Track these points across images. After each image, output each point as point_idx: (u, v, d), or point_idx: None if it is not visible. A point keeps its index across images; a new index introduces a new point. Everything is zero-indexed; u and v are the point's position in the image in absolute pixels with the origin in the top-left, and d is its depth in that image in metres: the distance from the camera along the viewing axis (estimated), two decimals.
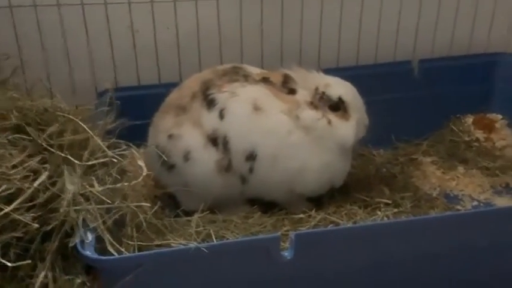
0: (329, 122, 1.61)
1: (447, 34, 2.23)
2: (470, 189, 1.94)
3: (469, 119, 2.25)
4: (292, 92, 1.63)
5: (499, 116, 2.26)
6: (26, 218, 1.24)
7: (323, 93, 1.62)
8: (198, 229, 1.47)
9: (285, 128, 1.61)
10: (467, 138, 2.18)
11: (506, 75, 2.22)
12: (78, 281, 1.31)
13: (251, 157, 1.60)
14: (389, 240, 1.37)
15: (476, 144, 2.17)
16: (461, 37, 2.25)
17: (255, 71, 1.70)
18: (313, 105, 1.62)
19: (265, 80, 1.64)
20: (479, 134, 2.20)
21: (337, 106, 1.63)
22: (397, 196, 1.78)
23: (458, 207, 1.84)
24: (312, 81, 1.65)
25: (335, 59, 2.18)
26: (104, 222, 1.27)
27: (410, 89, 2.16)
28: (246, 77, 1.65)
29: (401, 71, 2.17)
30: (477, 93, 2.24)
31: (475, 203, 1.88)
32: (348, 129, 1.63)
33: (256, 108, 1.59)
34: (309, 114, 1.60)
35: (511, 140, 2.17)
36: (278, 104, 1.61)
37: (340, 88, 1.64)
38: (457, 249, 1.45)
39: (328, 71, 2.06)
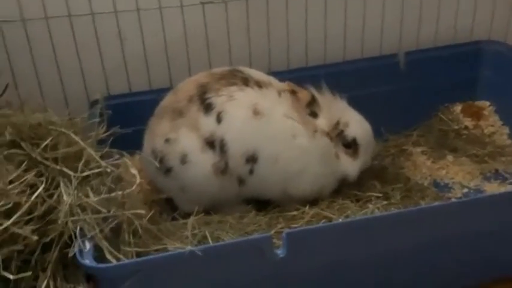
0: (337, 157, 1.72)
1: (431, 25, 2.26)
2: (460, 176, 1.97)
3: (458, 108, 2.28)
4: (313, 115, 1.70)
5: (487, 103, 2.28)
6: (26, 231, 1.28)
7: (341, 131, 1.72)
8: (194, 231, 1.50)
9: (289, 131, 1.65)
10: (456, 127, 2.21)
11: (491, 63, 2.24)
12: None
13: (252, 159, 1.64)
14: (379, 233, 1.41)
15: (465, 132, 2.20)
16: (446, 27, 2.27)
17: (255, 74, 1.73)
18: (328, 135, 1.70)
19: (293, 93, 1.68)
20: (468, 122, 2.23)
21: (349, 145, 1.73)
22: (388, 188, 1.82)
23: (449, 195, 1.88)
24: (335, 113, 1.73)
25: (322, 56, 2.21)
26: (101, 231, 1.30)
27: (398, 82, 2.19)
28: (246, 81, 1.67)
29: (388, 65, 2.20)
30: (464, 82, 2.27)
31: (465, 190, 1.92)
32: (353, 167, 1.74)
33: (256, 112, 1.63)
34: (324, 142, 1.69)
35: (500, 126, 2.21)
36: (283, 109, 1.65)
37: (357, 129, 1.74)
38: (450, 237, 1.48)
39: (315, 68, 2.13)
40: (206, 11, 2.04)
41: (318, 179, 1.72)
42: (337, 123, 1.71)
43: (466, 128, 2.22)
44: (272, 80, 1.74)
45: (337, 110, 1.74)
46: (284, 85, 1.71)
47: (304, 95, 1.69)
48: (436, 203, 1.64)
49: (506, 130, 2.19)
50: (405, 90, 2.19)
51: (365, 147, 1.75)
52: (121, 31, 2.01)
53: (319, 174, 1.71)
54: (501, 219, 1.50)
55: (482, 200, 1.58)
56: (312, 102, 1.69)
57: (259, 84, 1.68)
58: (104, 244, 1.28)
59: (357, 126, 1.75)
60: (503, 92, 2.21)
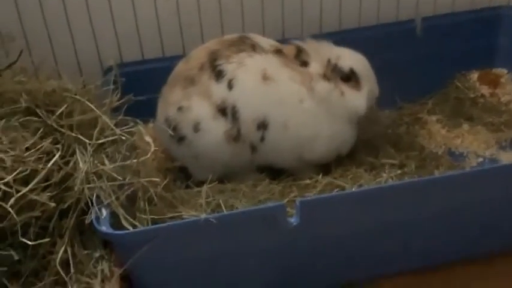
0: (342, 94, 1.67)
1: None
2: (476, 146, 1.95)
3: (474, 75, 2.23)
4: (305, 64, 1.67)
5: (505, 71, 2.23)
6: (43, 197, 1.30)
7: (335, 65, 1.66)
8: (208, 199, 1.51)
9: (296, 96, 1.64)
10: (472, 95, 2.17)
11: (510, 29, 2.19)
12: (96, 254, 1.38)
13: (262, 126, 1.64)
14: (392, 202, 1.41)
15: (481, 100, 2.16)
16: None
17: (263, 40, 1.71)
18: (325, 77, 1.66)
19: (278, 52, 1.66)
20: (485, 90, 2.18)
21: (349, 77, 1.67)
22: (403, 156, 1.80)
23: (464, 164, 1.86)
24: (324, 53, 1.68)
25: (337, 23, 2.17)
26: (117, 198, 1.32)
27: (414, 48, 2.14)
28: (254, 47, 1.67)
29: (404, 30, 2.15)
30: (482, 49, 2.22)
31: (480, 159, 1.90)
32: (360, 99, 1.68)
33: (265, 77, 1.62)
34: (324, 86, 1.65)
35: None
36: (288, 73, 1.64)
37: (351, 59, 1.69)
38: (462, 207, 1.48)
39: (330, 35, 2.09)
40: None
41: (333, 140, 1.70)
42: (329, 60, 1.67)
43: (483, 96, 2.17)
44: (279, 46, 1.72)
45: (326, 51, 1.70)
46: (270, 47, 1.69)
47: (289, 49, 1.68)
48: (450, 173, 1.64)
49: None
50: (421, 57, 2.15)
51: (365, 76, 1.69)
52: None
53: (332, 135, 1.69)
54: None
55: (496, 170, 1.56)
56: (299, 52, 1.67)
57: (266, 50, 1.67)
58: (120, 211, 1.30)
59: (349, 56, 1.70)
60: None
